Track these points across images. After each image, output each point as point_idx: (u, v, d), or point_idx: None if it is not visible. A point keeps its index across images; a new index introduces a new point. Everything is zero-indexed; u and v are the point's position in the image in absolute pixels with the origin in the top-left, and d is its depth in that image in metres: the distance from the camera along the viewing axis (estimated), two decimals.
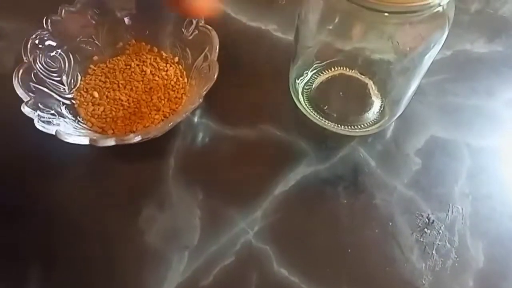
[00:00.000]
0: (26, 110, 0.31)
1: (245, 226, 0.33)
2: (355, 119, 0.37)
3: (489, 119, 0.39)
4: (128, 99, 0.37)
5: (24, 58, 0.34)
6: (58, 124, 0.32)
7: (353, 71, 0.38)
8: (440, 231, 0.33)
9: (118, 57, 0.40)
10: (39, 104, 0.32)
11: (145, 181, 0.35)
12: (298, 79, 0.38)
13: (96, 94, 0.37)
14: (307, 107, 0.37)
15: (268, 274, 0.31)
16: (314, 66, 0.38)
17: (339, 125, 0.37)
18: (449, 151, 0.37)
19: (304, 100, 0.38)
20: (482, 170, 0.36)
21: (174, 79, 0.39)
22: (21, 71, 0.33)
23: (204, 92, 0.32)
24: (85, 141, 0.31)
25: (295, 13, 0.33)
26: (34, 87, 0.33)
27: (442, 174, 0.36)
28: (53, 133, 0.30)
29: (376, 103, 0.37)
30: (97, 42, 0.39)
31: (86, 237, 0.33)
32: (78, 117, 0.36)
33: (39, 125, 0.31)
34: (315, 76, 0.39)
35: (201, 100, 0.32)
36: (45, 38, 0.35)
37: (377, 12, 0.26)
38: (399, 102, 0.36)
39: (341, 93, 0.39)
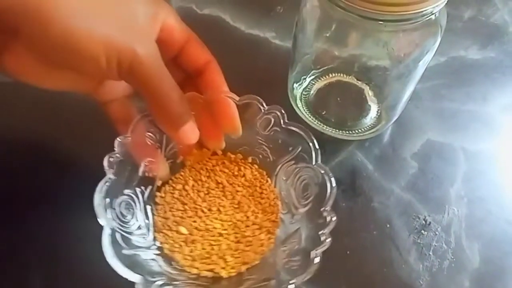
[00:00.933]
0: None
1: None
2: (353, 124, 0.38)
3: (484, 124, 0.40)
4: (222, 225, 0.30)
5: (104, 222, 0.26)
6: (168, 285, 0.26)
7: (350, 77, 0.39)
8: (437, 233, 0.33)
9: (182, 173, 0.33)
10: (146, 276, 0.25)
11: None
12: (296, 85, 0.39)
13: (183, 230, 0.30)
14: (306, 112, 0.38)
15: None
16: (312, 72, 0.39)
17: (337, 130, 0.37)
18: (445, 155, 0.38)
19: (302, 105, 0.39)
20: (477, 174, 0.37)
21: (258, 184, 0.33)
22: (108, 240, 0.25)
23: (328, 209, 0.27)
24: None
25: (293, 20, 0.34)
26: (128, 254, 0.26)
27: (438, 178, 0.36)
28: None
29: (373, 108, 0.38)
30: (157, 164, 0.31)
31: (87, 241, 0.33)
32: (172, 264, 0.29)
33: None
34: (313, 82, 0.39)
35: (333, 222, 0.27)
36: (116, 188, 0.28)
37: (372, 21, 0.27)
38: (395, 107, 0.36)
39: (338, 98, 0.39)
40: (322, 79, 0.39)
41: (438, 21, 0.29)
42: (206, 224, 0.31)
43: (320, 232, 0.27)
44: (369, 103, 0.38)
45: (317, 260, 0.26)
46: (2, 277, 0.31)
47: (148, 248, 0.29)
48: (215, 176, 0.33)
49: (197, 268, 0.29)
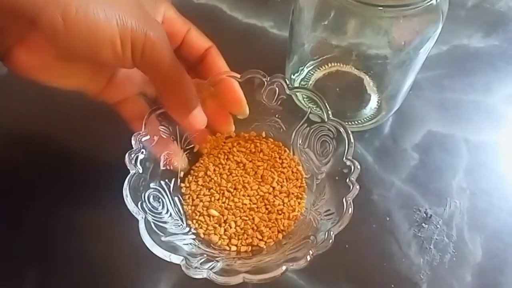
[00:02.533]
0: (192, 273, 0.25)
1: None
2: (352, 115, 0.37)
3: (487, 114, 0.39)
4: (251, 200, 0.32)
5: (137, 212, 0.27)
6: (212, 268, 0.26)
7: (348, 66, 0.38)
8: (438, 226, 0.33)
9: (201, 161, 0.33)
10: (189, 258, 0.26)
11: None
12: (294, 76, 0.38)
13: (214, 212, 0.31)
14: (305, 103, 0.37)
15: None
16: (310, 62, 0.38)
17: None
18: (447, 146, 0.37)
19: (301, 96, 0.38)
20: (480, 165, 0.36)
21: (277, 155, 0.33)
22: (147, 231, 0.26)
23: (350, 157, 0.29)
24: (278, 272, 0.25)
25: (291, 9, 0.33)
26: (166, 241, 0.27)
27: (440, 169, 0.36)
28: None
29: (373, 99, 0.37)
30: (177, 156, 0.32)
31: (84, 238, 0.33)
32: (211, 246, 0.30)
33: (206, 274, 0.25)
34: (311, 73, 0.39)
35: (358, 168, 0.28)
36: (141, 183, 0.28)
37: (371, 6, 0.26)
38: (396, 97, 0.35)
39: (337, 89, 0.39)
40: (321, 69, 0.38)
41: (439, 7, 0.28)
42: (235, 203, 0.32)
43: (347, 180, 0.28)
44: (369, 93, 0.38)
45: (350, 207, 0.27)
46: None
47: (185, 234, 0.30)
48: (233, 157, 0.34)
49: (235, 245, 0.30)
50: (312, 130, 0.32)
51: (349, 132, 0.29)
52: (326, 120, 0.31)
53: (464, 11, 0.45)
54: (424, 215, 0.33)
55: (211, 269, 0.25)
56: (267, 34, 0.43)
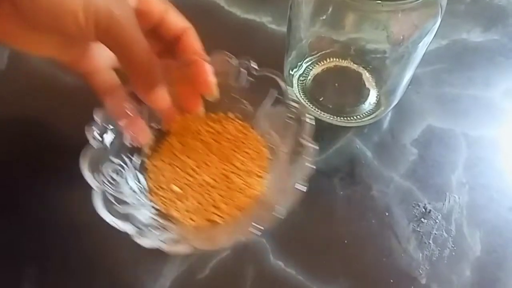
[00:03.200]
0: (143, 242, 0.26)
1: None
2: (351, 110, 0.37)
3: (486, 109, 0.39)
4: (212, 178, 0.32)
5: (94, 183, 0.28)
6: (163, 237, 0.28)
7: (347, 61, 0.37)
8: (437, 221, 0.33)
9: (168, 140, 0.34)
10: (140, 226, 0.27)
11: None
12: (292, 71, 0.38)
13: (176, 188, 0.32)
14: (303, 99, 0.37)
15: (264, 266, 0.31)
16: (308, 58, 0.38)
17: (334, 116, 0.36)
18: (446, 141, 0.37)
19: (299, 92, 0.38)
20: (479, 160, 0.36)
21: (242, 136, 0.34)
22: (102, 201, 0.27)
23: (306, 137, 0.30)
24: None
25: (289, 4, 0.33)
26: (121, 212, 0.28)
27: (439, 164, 0.35)
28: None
29: (372, 93, 0.37)
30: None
31: (82, 235, 0.33)
32: (173, 221, 0.31)
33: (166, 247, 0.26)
34: (310, 68, 0.38)
35: (313, 148, 0.29)
36: (101, 155, 0.30)
37: (370, 1, 0.26)
38: (395, 92, 0.35)
39: (336, 84, 0.38)
40: (319, 64, 0.38)
41: (438, 1, 0.28)
42: (197, 180, 0.32)
43: (302, 159, 0.29)
44: (368, 88, 0.37)
45: (303, 186, 0.28)
46: None
47: (145, 208, 0.30)
48: (200, 136, 0.34)
49: (194, 220, 0.31)
50: (276, 111, 0.33)
51: (308, 112, 0.30)
52: (288, 101, 0.31)
53: (463, 5, 0.45)
54: (423, 210, 0.33)
55: (161, 239, 0.26)
56: (265, 29, 0.43)
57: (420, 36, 0.29)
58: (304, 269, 0.31)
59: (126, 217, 0.27)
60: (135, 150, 0.32)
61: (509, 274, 0.31)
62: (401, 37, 0.30)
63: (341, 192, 0.34)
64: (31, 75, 0.40)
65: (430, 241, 0.32)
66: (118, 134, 0.31)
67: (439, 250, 0.31)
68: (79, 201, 0.33)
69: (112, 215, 0.27)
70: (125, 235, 0.32)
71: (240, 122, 0.35)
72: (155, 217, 0.30)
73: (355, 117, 0.37)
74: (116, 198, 0.28)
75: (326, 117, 0.36)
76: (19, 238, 0.32)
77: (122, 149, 0.32)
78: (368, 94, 0.37)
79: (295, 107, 0.31)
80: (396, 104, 0.37)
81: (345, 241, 0.32)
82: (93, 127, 0.29)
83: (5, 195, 0.34)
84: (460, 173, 0.35)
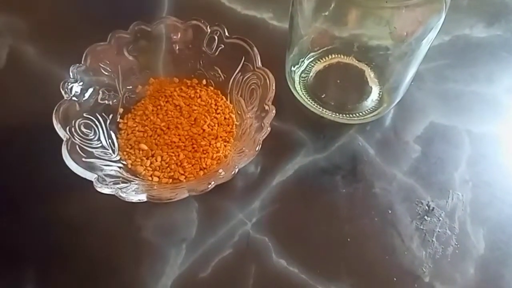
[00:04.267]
0: (102, 189, 0.28)
1: (243, 218, 0.33)
2: (353, 107, 0.37)
3: (489, 105, 0.39)
4: (180, 139, 0.34)
5: (64, 135, 0.30)
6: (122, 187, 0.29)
7: (349, 58, 0.37)
8: (440, 218, 0.32)
9: (142, 102, 0.36)
10: (104, 177, 0.29)
11: None
12: (294, 68, 0.37)
13: (144, 146, 0.34)
14: (304, 96, 0.37)
15: (266, 265, 0.31)
16: (310, 54, 0.38)
17: (337, 114, 0.36)
18: (449, 138, 0.37)
19: (301, 89, 0.37)
20: (482, 157, 0.36)
21: (213, 102, 0.36)
22: (67, 149, 0.29)
23: (269, 102, 0.31)
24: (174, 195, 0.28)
25: (290, 0, 0.32)
26: (87, 162, 0.30)
27: (442, 161, 0.35)
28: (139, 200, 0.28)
29: (374, 91, 0.37)
30: (116, 94, 0.35)
31: (83, 235, 0.32)
32: (138, 176, 0.33)
33: (125, 195, 0.28)
34: (312, 65, 0.38)
35: (273, 112, 0.30)
36: (73, 110, 0.32)
37: None
38: (397, 89, 0.35)
39: (338, 81, 0.38)
40: (321, 61, 0.38)
41: None
42: (165, 140, 0.34)
43: (262, 122, 0.31)
44: (370, 85, 0.37)
45: (258, 145, 0.29)
46: None
47: (114, 162, 0.32)
48: (173, 100, 0.36)
49: (157, 176, 0.33)
50: (244, 78, 0.34)
51: (273, 79, 0.32)
52: (255, 68, 0.33)
53: (466, 1, 0.45)
54: (427, 207, 0.33)
55: (120, 188, 0.28)
56: (266, 25, 0.42)
57: (424, 33, 0.29)
58: (307, 267, 0.31)
59: (91, 168, 0.30)
60: (110, 110, 0.34)
61: None
62: (405, 34, 0.29)
63: (343, 190, 0.34)
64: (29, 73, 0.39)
65: (434, 239, 0.32)
66: (94, 92, 0.33)
67: (442, 248, 0.31)
68: (79, 201, 0.33)
69: (78, 164, 0.29)
70: (127, 234, 0.33)
71: (212, 89, 0.37)
72: (121, 172, 0.32)
73: (357, 114, 0.36)
74: (83, 150, 0.31)
75: (328, 114, 0.36)
76: (21, 238, 0.32)
77: (97, 107, 0.34)
78: (371, 91, 0.37)
79: (261, 73, 0.33)
80: (399, 101, 0.37)
81: (348, 239, 0.32)
82: (68, 82, 0.32)
83: (5, 195, 0.34)
84: (463, 170, 0.35)
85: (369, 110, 0.36)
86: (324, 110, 0.36)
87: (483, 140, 0.36)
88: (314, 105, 0.37)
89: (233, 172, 0.29)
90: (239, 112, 0.35)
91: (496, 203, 0.33)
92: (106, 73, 0.34)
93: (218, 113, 0.36)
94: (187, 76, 0.37)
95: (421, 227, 0.32)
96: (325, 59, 0.38)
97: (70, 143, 0.30)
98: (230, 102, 0.36)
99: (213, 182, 0.29)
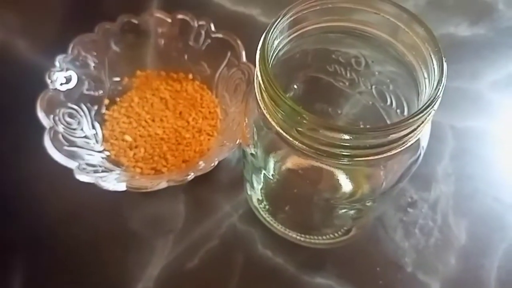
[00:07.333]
0: (82, 177, 0.29)
1: (230, 209, 0.33)
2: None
3: (473, 101, 0.39)
4: (164, 131, 0.35)
5: (48, 123, 0.31)
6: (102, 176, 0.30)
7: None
8: (423, 210, 0.33)
9: (128, 94, 0.37)
10: (86, 166, 0.30)
11: None
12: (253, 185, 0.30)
13: (128, 138, 0.34)
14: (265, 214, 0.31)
15: (253, 256, 0.31)
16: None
17: None
18: (433, 133, 0.36)
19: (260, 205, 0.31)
20: (465, 151, 0.36)
21: (199, 96, 0.37)
22: (50, 137, 0.30)
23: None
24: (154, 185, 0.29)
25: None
26: (69, 150, 0.31)
27: (426, 155, 0.35)
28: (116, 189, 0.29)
29: None
30: (102, 85, 0.35)
31: (70, 225, 0.32)
32: (121, 167, 0.33)
33: (106, 184, 0.29)
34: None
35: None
36: (58, 99, 0.33)
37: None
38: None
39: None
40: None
41: (419, 142, 0.24)
42: (149, 132, 0.35)
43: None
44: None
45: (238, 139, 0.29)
46: None
47: (98, 152, 0.33)
48: (159, 93, 0.37)
49: (140, 167, 0.33)
50: (229, 73, 0.35)
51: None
52: (240, 63, 0.34)
53: (451, 0, 0.46)
54: (410, 200, 0.33)
55: (101, 177, 0.29)
56: (254, 22, 0.43)
57: (401, 178, 0.24)
58: (292, 258, 0.31)
59: (73, 156, 0.30)
60: (96, 101, 0.35)
61: (493, 262, 0.31)
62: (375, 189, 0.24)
63: None
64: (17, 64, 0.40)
65: (416, 230, 0.32)
66: (80, 83, 0.34)
67: (425, 239, 0.32)
68: (66, 192, 0.33)
69: (60, 152, 0.30)
70: (114, 225, 0.33)
71: (198, 83, 0.37)
72: (104, 162, 0.32)
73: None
74: (66, 139, 0.31)
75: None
76: (8, 228, 0.32)
77: (83, 98, 0.34)
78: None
79: (246, 69, 0.33)
80: None
81: None
82: (53, 71, 0.32)
83: None
84: (446, 164, 0.35)
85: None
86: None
87: (466, 134, 0.37)
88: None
89: (212, 164, 0.29)
90: (223, 107, 0.36)
91: (478, 196, 0.34)
92: (93, 64, 0.35)
93: (203, 107, 0.36)
94: (174, 69, 0.37)
95: (404, 218, 0.33)
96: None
97: (53, 132, 0.30)
98: (216, 97, 0.37)
99: (192, 173, 0.29)
